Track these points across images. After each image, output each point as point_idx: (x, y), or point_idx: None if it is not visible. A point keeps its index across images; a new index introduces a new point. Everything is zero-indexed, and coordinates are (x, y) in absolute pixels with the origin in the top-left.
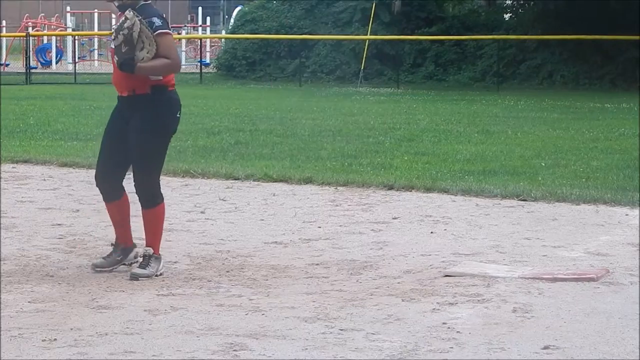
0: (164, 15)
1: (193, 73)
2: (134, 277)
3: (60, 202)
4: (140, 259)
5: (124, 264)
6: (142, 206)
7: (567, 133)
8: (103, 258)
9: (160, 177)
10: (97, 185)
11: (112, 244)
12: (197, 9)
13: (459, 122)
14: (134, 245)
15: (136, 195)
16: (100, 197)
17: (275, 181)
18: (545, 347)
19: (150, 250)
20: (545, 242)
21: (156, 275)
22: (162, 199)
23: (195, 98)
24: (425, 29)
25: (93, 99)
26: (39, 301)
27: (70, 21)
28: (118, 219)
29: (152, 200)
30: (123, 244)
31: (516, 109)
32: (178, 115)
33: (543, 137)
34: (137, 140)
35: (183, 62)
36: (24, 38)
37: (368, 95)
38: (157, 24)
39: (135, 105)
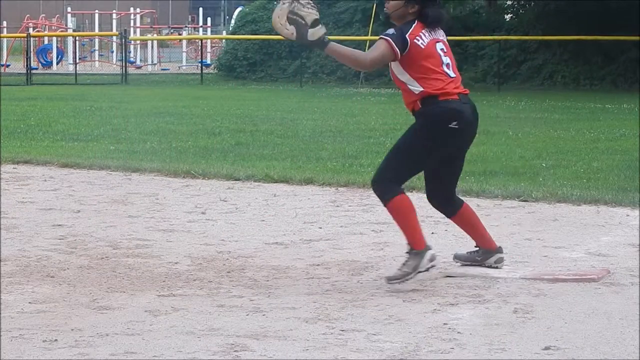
0: (406, 33)
1: (194, 74)
2: (389, 283)
3: (61, 203)
4: (490, 262)
5: (483, 265)
6: (382, 203)
7: (568, 134)
8: (467, 252)
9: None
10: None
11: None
12: (198, 9)
13: None
14: (497, 250)
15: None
16: (101, 197)
17: (276, 182)
18: (546, 348)
19: (408, 248)
20: (546, 243)
21: (420, 272)
22: (397, 193)
23: (196, 99)
24: None
25: (94, 99)
26: (39, 302)
27: (71, 22)
28: (465, 229)
29: (382, 197)
30: (483, 247)
31: (517, 109)
32: (453, 126)
33: (544, 137)
34: (400, 138)
35: (184, 62)
36: (25, 39)
37: (369, 96)
38: (386, 32)
39: (416, 117)
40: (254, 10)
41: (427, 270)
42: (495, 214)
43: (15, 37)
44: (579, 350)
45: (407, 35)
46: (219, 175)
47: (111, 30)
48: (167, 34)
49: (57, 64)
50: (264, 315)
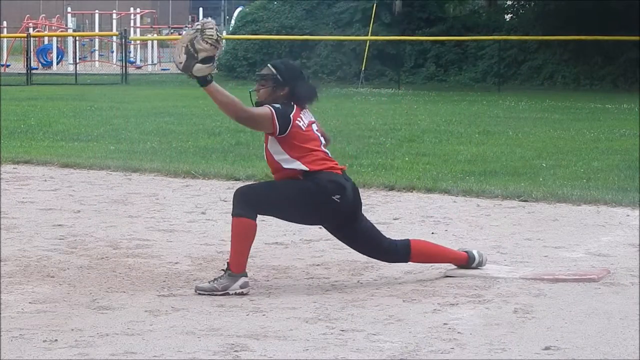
0: (290, 114)
1: None
2: (196, 292)
3: (61, 203)
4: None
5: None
6: (231, 212)
7: (568, 134)
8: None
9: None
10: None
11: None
12: (198, 9)
13: (460, 122)
14: (470, 259)
15: None
16: (101, 197)
17: None
18: (546, 348)
19: (226, 266)
20: (546, 243)
21: (228, 294)
22: (249, 216)
23: (196, 99)
24: (426, 29)
25: (94, 99)
26: (39, 302)
27: (71, 22)
28: (431, 261)
29: (235, 209)
30: (459, 265)
31: (517, 109)
32: (335, 198)
33: (544, 137)
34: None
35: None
36: (25, 39)
37: (369, 96)
38: (273, 105)
39: None
40: (254, 10)
41: (235, 294)
42: (495, 214)
43: (15, 37)
44: (579, 350)
45: (290, 115)
46: (219, 175)
47: (111, 30)
48: (167, 34)
49: (57, 64)
50: (264, 315)
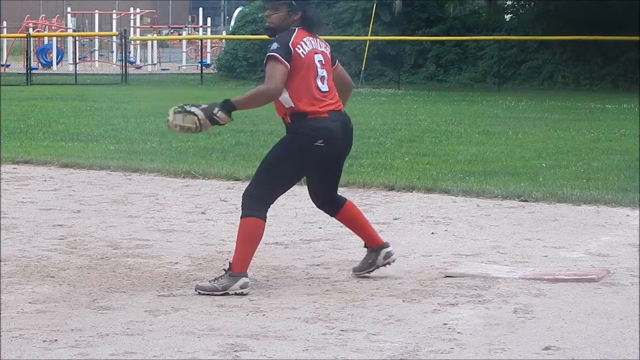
0: (290, 42)
1: (194, 74)
2: (195, 291)
3: (61, 203)
4: (380, 261)
5: (377, 266)
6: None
7: (568, 134)
8: (361, 262)
9: (261, 193)
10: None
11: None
12: (198, 9)
13: (460, 122)
14: (384, 246)
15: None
16: (101, 197)
17: None
18: (546, 348)
19: (227, 266)
20: (546, 243)
21: (229, 294)
22: (257, 215)
23: (196, 99)
24: (426, 29)
25: (94, 99)
26: (39, 302)
27: (71, 22)
28: (350, 227)
29: (244, 210)
30: (370, 246)
31: (517, 109)
32: (319, 144)
33: (544, 137)
34: (268, 152)
35: (183, 62)
36: (25, 39)
37: (369, 95)
38: (271, 48)
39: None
40: (254, 10)
41: (235, 294)
42: (495, 214)
43: (15, 37)
44: (579, 350)
45: (289, 44)
46: (219, 175)
47: (111, 30)
48: (167, 34)
49: (57, 64)
50: (263, 315)
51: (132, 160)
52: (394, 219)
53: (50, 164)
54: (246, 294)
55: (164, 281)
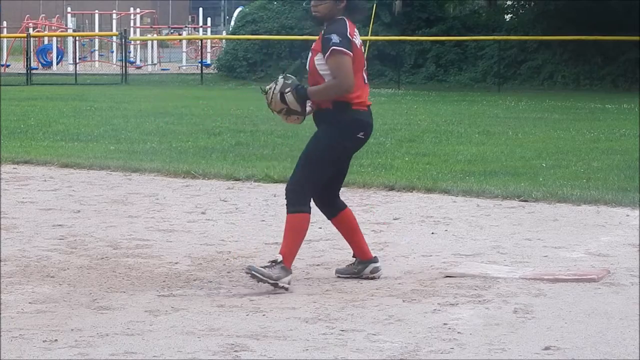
0: (347, 32)
1: (194, 74)
2: (249, 271)
3: (61, 203)
4: (366, 273)
5: (360, 277)
6: (286, 210)
7: (568, 134)
8: (346, 266)
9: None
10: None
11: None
12: (198, 9)
13: (460, 122)
14: (372, 260)
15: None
16: (101, 197)
17: (276, 182)
18: (546, 348)
19: (280, 257)
20: (546, 243)
21: (276, 286)
22: (304, 210)
23: (196, 99)
24: (426, 29)
25: (94, 99)
26: (39, 302)
27: (71, 22)
28: (343, 234)
29: (291, 205)
30: (359, 258)
31: (517, 109)
32: (360, 136)
33: (544, 137)
34: (308, 145)
35: (184, 62)
36: (25, 39)
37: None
38: (333, 41)
39: (319, 119)
40: (254, 10)
41: (282, 287)
42: (495, 214)
43: (15, 37)
44: (579, 350)
45: (347, 34)
46: (219, 175)
47: (111, 30)
48: (167, 34)
49: (57, 64)
50: (264, 315)
51: (132, 160)
52: (394, 219)
53: (50, 164)
54: (287, 290)
55: (164, 281)
